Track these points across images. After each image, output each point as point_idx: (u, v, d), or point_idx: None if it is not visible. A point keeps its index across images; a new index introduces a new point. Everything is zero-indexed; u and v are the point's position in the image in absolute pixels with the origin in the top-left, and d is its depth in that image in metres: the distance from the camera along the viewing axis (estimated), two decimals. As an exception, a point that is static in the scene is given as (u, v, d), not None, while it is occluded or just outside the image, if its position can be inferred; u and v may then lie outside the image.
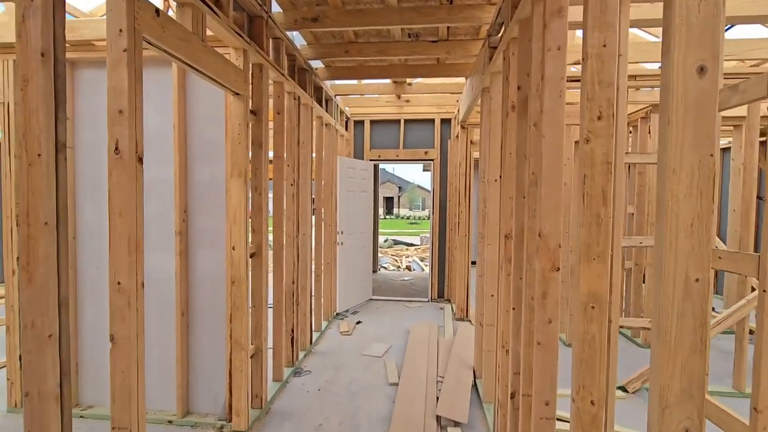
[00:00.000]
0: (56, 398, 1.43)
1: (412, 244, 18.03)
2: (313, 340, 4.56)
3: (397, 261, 12.39)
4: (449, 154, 6.51)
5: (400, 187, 49.12)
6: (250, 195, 2.80)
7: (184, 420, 2.86)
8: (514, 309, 2.31)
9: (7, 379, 3.00)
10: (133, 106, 1.57)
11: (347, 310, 5.95)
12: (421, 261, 12.36)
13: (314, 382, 3.61)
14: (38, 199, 1.40)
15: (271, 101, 3.39)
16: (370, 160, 6.65)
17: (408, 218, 41.60)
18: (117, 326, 1.57)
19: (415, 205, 47.47)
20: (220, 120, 2.86)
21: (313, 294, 4.76)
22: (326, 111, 5.08)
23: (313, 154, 4.86)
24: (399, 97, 6.05)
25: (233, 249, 2.67)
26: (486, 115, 3.51)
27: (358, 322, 5.40)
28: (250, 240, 2.86)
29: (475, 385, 3.56)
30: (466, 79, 4.75)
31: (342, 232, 5.71)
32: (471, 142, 5.48)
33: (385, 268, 11.06)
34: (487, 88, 3.31)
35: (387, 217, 42.71)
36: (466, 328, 5.00)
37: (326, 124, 5.11)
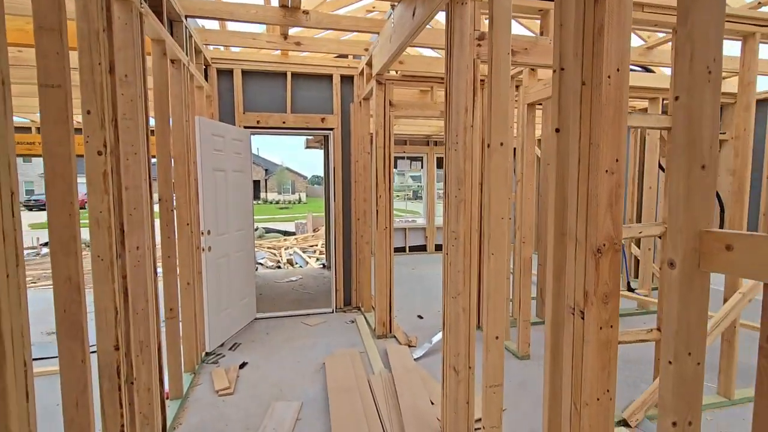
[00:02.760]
0: None
1: (288, 233, 16.10)
2: (168, 426, 2.69)
3: (276, 255, 10.50)
4: (353, 123, 5.04)
5: (266, 170, 45.44)
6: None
7: None
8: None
9: None
10: None
11: (223, 344, 4.11)
12: (303, 252, 10.72)
13: None
14: None
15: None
16: (246, 127, 4.76)
17: (278, 203, 38.72)
18: None
19: (285, 188, 44.50)
20: None
21: (164, 342, 2.87)
22: (172, 36, 3.10)
23: (151, 117, 2.88)
24: (286, 38, 4.29)
25: None
26: (458, 44, 2.17)
27: (243, 365, 3.65)
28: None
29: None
30: (393, 6, 3.32)
31: (209, 232, 3.82)
32: (390, 104, 4.11)
33: (261, 264, 9.13)
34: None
35: (254, 202, 39.09)
36: (399, 354, 3.72)
37: (173, 60, 3.13)
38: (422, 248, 9.68)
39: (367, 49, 4.50)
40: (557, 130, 1.42)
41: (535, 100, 3.53)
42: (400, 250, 9.52)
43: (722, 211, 4.83)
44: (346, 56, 5.05)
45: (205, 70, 4.51)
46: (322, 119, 4.94)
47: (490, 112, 1.92)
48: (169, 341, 2.97)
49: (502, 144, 1.91)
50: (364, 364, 3.61)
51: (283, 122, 4.84)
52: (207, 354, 3.85)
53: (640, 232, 2.78)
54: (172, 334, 2.96)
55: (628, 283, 5.19)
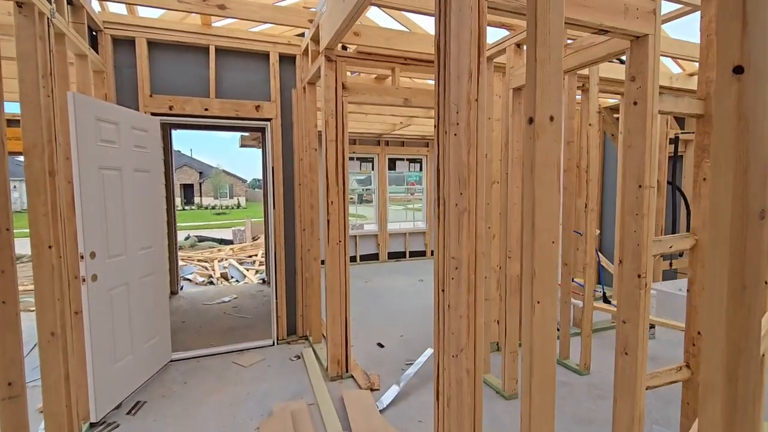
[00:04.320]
0: None
1: (224, 241, 14.60)
2: None
3: (208, 268, 9.18)
4: (296, 112, 4.14)
5: (201, 173, 42.33)
6: None
7: None
8: None
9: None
10: None
11: (120, 406, 3.02)
12: (241, 264, 9.50)
13: None
14: None
15: None
16: (154, 114, 3.69)
17: (213, 208, 36.09)
18: None
19: (222, 192, 41.61)
20: None
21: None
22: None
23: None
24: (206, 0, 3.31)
25: None
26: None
27: (144, 440, 2.62)
28: None
29: None
30: (349, -47, 2.52)
31: (93, 255, 2.74)
32: (344, 87, 3.27)
33: (189, 280, 7.86)
34: None
35: (186, 208, 36.11)
36: (360, 405, 2.89)
37: (21, 3, 2.07)
38: (374, 257, 8.90)
39: (311, 21, 3.64)
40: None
41: (521, 84, 2.88)
42: (350, 260, 8.69)
43: (688, 212, 4.57)
44: (301, 33, 4.14)
45: (94, 37, 3.40)
46: (257, 107, 3.99)
47: (535, 65, 1.18)
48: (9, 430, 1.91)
49: (552, 119, 1.17)
50: (315, 424, 2.74)
51: (206, 109, 3.82)
52: (93, 425, 2.76)
53: (671, 246, 2.20)
54: (12, 421, 1.90)
55: (604, 293, 4.79)
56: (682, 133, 5.42)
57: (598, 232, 6.03)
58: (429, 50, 3.47)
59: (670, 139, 5.03)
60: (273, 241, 4.17)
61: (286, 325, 4.27)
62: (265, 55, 4.05)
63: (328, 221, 3.30)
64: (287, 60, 4.14)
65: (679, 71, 4.84)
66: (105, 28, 3.45)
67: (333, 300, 3.37)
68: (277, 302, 4.19)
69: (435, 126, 1.60)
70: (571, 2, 1.77)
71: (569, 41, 2.63)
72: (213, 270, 9.04)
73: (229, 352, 3.97)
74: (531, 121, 1.22)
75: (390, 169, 8.93)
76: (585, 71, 3.51)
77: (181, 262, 8.93)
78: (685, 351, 2.34)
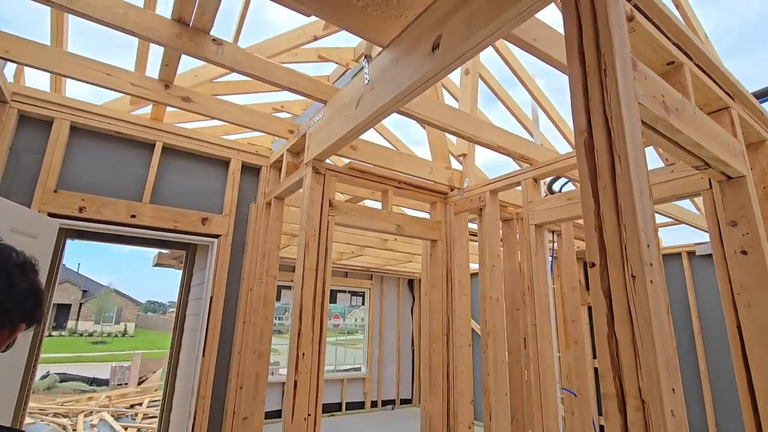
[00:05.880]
0: None
1: (98, 381, 11.44)
2: None
3: (68, 427, 6.62)
4: (252, 231, 3.34)
5: (85, 291, 36.14)
6: None
7: None
8: None
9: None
10: None
11: None
12: (117, 420, 7.08)
13: None
14: None
15: None
16: (54, 215, 2.64)
17: (91, 335, 29.96)
18: None
19: (107, 316, 35.19)
20: None
21: None
22: None
23: None
24: (168, 86, 2.69)
25: None
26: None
27: None
28: None
29: None
30: (366, 57, 2.17)
31: None
32: (331, 204, 2.64)
33: (34, 453, 5.47)
34: None
35: (54, 334, 29.53)
36: None
37: None
38: (359, 405, 7.36)
39: (292, 131, 3.15)
40: None
41: (548, 220, 2.51)
42: (332, 407, 7.08)
43: None
44: (292, 132, 3.60)
45: (-7, 108, 2.50)
46: (204, 220, 3.14)
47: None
48: None
49: None
50: None
51: (132, 216, 2.87)
52: None
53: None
54: None
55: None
56: None
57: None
58: (426, 175, 3.10)
59: None
60: (193, 404, 2.89)
61: None
62: (225, 162, 3.38)
63: (296, 383, 2.29)
64: (250, 170, 3.50)
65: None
66: (12, 100, 2.59)
67: None
68: None
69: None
70: (690, 125, 1.44)
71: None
72: (76, 425, 6.57)
73: None
74: None
75: (330, 301, 7.97)
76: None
77: (28, 419, 6.39)
78: None
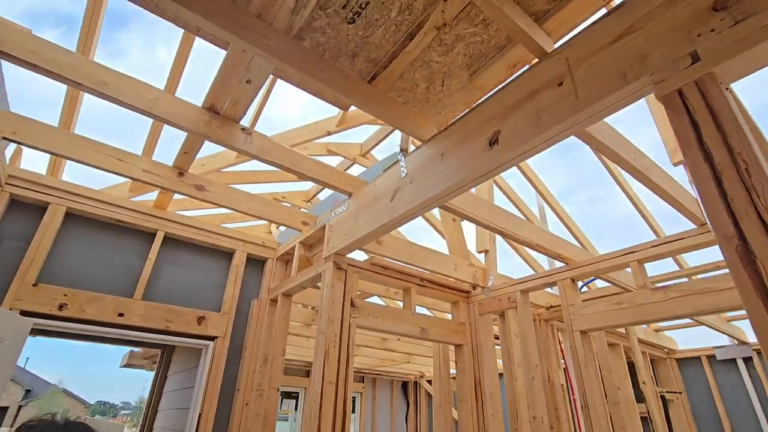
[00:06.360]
0: None
1: None
2: None
3: None
4: (251, 332, 2.95)
5: (29, 390, 31.98)
6: None
7: None
8: None
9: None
10: None
11: None
12: None
13: None
14: None
15: None
16: (27, 313, 2.25)
17: (25, 445, 25.67)
18: None
19: (48, 420, 30.67)
20: None
21: None
22: None
23: None
24: (182, 174, 2.53)
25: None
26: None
27: None
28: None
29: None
30: (403, 151, 2.09)
31: None
32: (353, 304, 2.35)
33: None
34: None
35: (-19, 443, 25.24)
36: None
37: None
38: None
39: (306, 223, 2.97)
40: None
41: (597, 326, 2.27)
42: None
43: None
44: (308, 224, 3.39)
45: (-17, 191, 2.25)
46: (200, 319, 2.76)
47: None
48: None
49: None
50: None
51: (120, 315, 2.49)
52: None
53: None
54: None
55: None
56: None
57: None
58: (450, 272, 2.89)
59: None
60: None
61: None
62: (228, 254, 3.12)
63: None
64: (254, 263, 3.23)
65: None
66: (6, 183, 2.36)
67: None
68: None
69: None
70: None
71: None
72: None
73: None
74: None
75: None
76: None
77: None
78: None
